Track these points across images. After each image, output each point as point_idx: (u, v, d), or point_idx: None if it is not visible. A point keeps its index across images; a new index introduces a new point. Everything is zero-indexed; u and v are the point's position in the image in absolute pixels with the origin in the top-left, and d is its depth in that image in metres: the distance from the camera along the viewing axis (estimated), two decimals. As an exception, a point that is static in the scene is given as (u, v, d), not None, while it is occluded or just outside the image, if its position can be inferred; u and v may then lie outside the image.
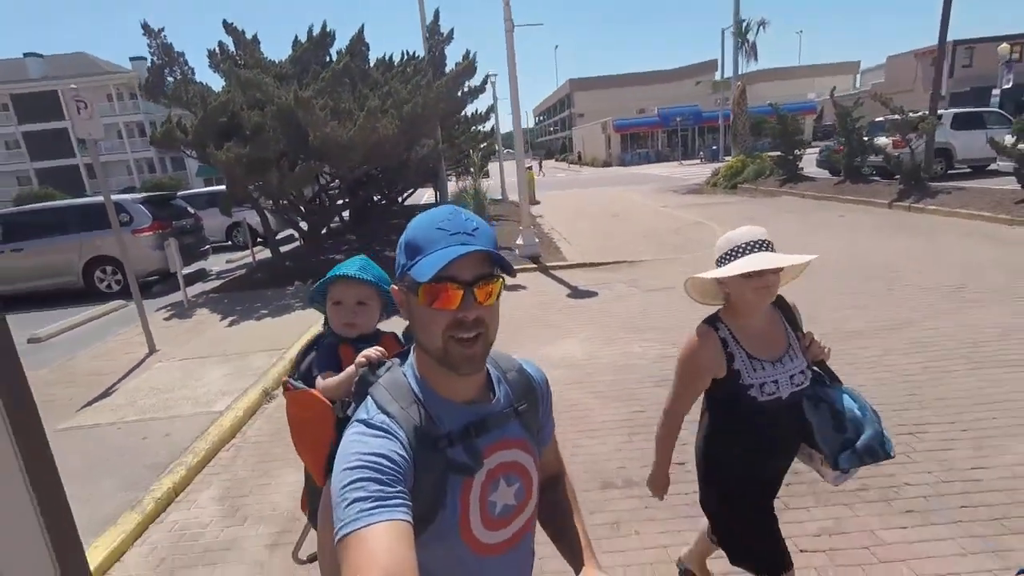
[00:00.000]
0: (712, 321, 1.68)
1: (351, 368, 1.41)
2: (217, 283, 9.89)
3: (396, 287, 0.93)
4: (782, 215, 12.49)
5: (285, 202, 10.70)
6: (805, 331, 1.72)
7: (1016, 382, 3.83)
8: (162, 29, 9.10)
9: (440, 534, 0.89)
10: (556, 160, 67.09)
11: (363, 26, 11.94)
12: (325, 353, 1.62)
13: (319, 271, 1.44)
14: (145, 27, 9.00)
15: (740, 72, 22.85)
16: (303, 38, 11.47)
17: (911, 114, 12.78)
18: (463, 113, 16.65)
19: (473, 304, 0.84)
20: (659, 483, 1.87)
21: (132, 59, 47.11)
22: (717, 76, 58.43)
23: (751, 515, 1.79)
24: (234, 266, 11.94)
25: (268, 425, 4.32)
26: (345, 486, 0.77)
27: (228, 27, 10.75)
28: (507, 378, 1.02)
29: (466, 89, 14.37)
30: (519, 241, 9.51)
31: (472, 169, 13.73)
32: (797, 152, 17.18)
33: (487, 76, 15.77)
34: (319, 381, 1.53)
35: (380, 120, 8.30)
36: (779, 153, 17.70)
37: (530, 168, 20.27)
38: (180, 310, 8.03)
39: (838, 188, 14.64)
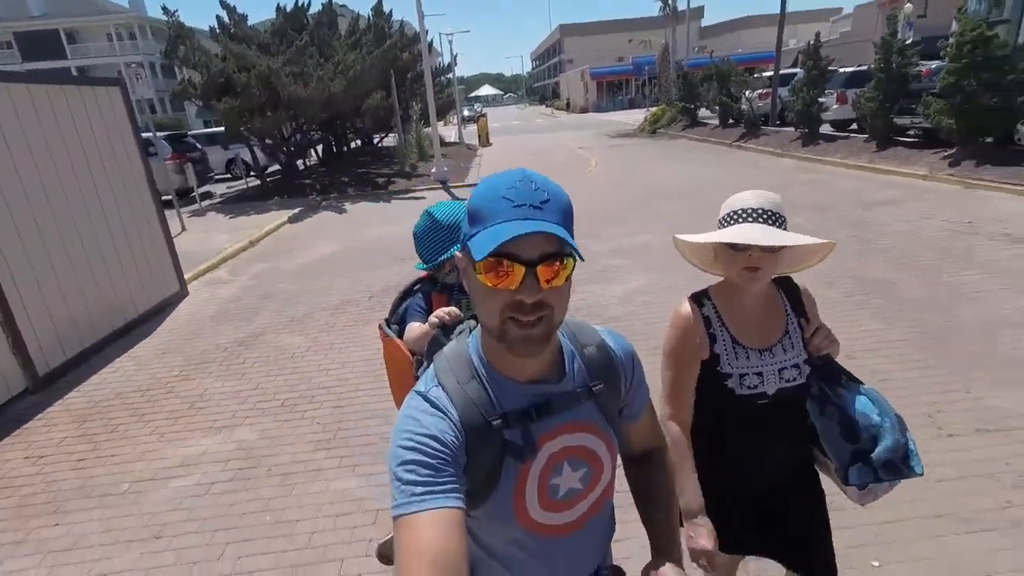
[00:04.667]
0: (698, 297, 1.45)
1: (428, 327, 1.47)
2: (220, 200, 13.84)
3: (459, 254, 0.87)
4: (657, 151, 16.37)
5: (270, 141, 14.45)
6: (810, 320, 1.42)
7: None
8: (176, 10, 12.61)
9: (493, 513, 0.88)
10: (545, 106, 69.34)
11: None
12: (416, 302, 1.73)
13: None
14: (164, 9, 12.52)
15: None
16: (286, 7, 14.95)
17: (760, 75, 16.35)
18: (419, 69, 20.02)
19: (536, 287, 0.76)
20: (696, 525, 1.37)
21: (130, -2, 49.18)
22: (704, 22, 60.29)
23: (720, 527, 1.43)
24: (232, 191, 15.83)
25: (251, 255, 8.43)
26: (398, 465, 0.77)
27: (223, 3, 14.21)
28: (584, 354, 0.95)
29: (415, 52, 17.84)
30: (432, 169, 13.33)
31: (415, 117, 17.30)
32: (696, 103, 20.66)
33: (434, 35, 18.95)
34: (407, 329, 1.67)
35: (330, 82, 12.00)
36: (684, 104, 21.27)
37: (483, 115, 23.88)
38: (198, 211, 12.04)
39: (713, 132, 18.36)
